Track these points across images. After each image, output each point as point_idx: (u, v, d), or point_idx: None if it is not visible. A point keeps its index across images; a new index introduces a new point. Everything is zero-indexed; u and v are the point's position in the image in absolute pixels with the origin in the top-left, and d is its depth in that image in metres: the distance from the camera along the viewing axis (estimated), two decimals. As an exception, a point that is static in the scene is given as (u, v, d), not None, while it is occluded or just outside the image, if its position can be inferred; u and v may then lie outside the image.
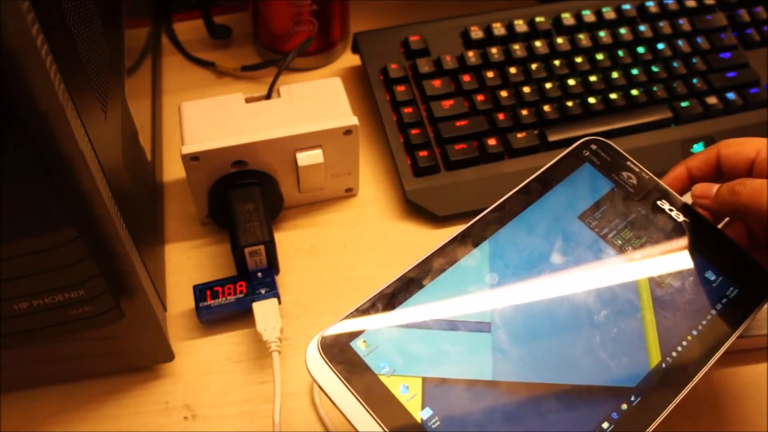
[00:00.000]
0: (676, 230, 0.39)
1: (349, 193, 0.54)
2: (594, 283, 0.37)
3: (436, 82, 0.56)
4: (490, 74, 0.57)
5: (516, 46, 0.58)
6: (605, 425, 0.32)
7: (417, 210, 0.52)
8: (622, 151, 0.42)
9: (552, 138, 0.54)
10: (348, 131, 0.48)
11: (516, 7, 0.61)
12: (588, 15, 0.60)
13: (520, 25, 0.59)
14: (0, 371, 0.40)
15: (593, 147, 0.42)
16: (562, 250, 0.37)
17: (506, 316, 0.35)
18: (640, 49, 0.59)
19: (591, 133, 0.43)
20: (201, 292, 0.46)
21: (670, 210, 0.40)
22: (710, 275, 0.38)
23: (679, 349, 0.35)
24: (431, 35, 0.59)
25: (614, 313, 0.36)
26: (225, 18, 0.65)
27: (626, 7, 0.61)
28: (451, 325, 0.34)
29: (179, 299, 0.48)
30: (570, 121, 0.55)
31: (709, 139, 0.55)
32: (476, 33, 0.59)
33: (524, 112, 0.55)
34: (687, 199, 0.40)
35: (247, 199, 0.47)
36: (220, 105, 0.49)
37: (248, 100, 0.50)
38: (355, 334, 0.33)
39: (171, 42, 0.64)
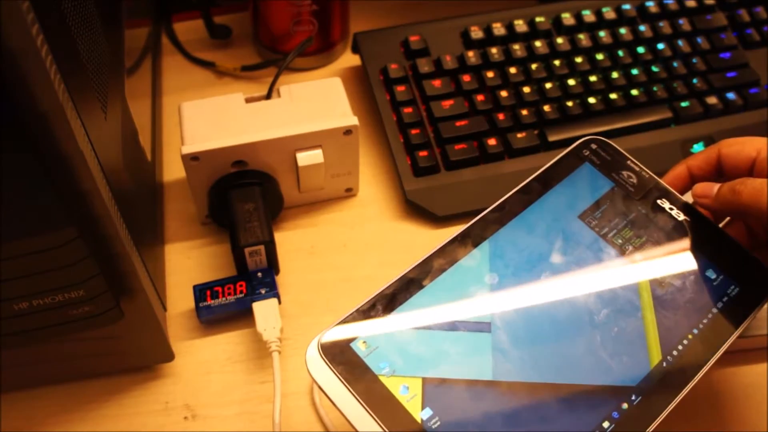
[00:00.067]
0: (677, 229, 0.39)
1: (349, 193, 0.54)
2: (594, 282, 0.37)
3: (436, 82, 0.56)
4: (490, 74, 0.57)
5: (516, 46, 0.58)
6: (606, 425, 0.32)
7: (417, 210, 0.52)
8: (622, 150, 0.42)
9: (552, 138, 0.54)
10: (348, 131, 0.48)
11: (516, 7, 0.61)
12: (588, 15, 0.60)
13: (520, 25, 0.59)
14: (0, 371, 0.40)
15: (593, 146, 0.42)
16: (562, 250, 0.37)
17: (506, 316, 0.35)
18: (640, 49, 0.59)
19: (591, 133, 0.43)
20: (201, 292, 0.46)
21: (671, 209, 0.40)
22: (711, 274, 0.38)
23: (680, 348, 0.35)
24: (431, 35, 0.59)
25: (615, 312, 0.36)
26: (225, 18, 0.65)
27: (626, 7, 0.61)
28: (451, 326, 0.34)
29: (179, 299, 0.48)
30: (570, 121, 0.55)
31: (709, 139, 0.55)
32: (476, 33, 0.59)
33: (524, 112, 0.55)
34: (687, 198, 0.40)
35: (247, 199, 0.47)
36: (220, 105, 0.49)
37: (248, 100, 0.50)
38: (355, 335, 0.33)
39: (171, 42, 0.64)
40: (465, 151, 0.53)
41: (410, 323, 0.34)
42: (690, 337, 0.35)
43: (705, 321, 0.36)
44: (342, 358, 0.32)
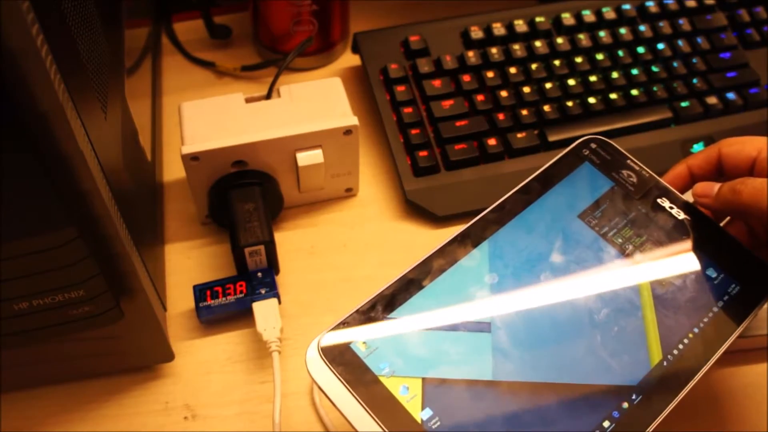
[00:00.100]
0: (677, 228, 0.39)
1: (349, 193, 0.54)
2: (594, 282, 0.37)
3: (436, 82, 0.56)
4: (490, 74, 0.57)
5: (516, 46, 0.58)
6: (606, 424, 0.32)
7: (417, 210, 0.52)
8: (621, 149, 0.42)
9: (552, 138, 0.54)
10: (348, 131, 0.48)
11: (516, 7, 0.61)
12: (588, 15, 0.60)
13: (520, 25, 0.59)
14: (0, 371, 0.40)
15: (593, 146, 0.42)
16: (562, 250, 0.37)
17: (506, 316, 0.35)
18: (640, 49, 0.59)
19: (591, 133, 0.43)
20: (201, 292, 0.46)
21: (671, 208, 0.40)
22: (711, 273, 0.38)
23: (681, 347, 0.35)
24: (431, 35, 0.59)
25: (615, 311, 0.36)
26: (225, 18, 0.65)
27: (626, 7, 0.61)
28: (451, 326, 0.34)
29: (179, 299, 0.48)
30: (570, 121, 0.55)
31: (709, 139, 0.55)
32: (476, 33, 0.59)
33: (524, 112, 0.55)
34: (687, 197, 0.40)
35: (247, 199, 0.47)
36: (220, 105, 0.49)
37: (248, 100, 0.50)
38: (354, 336, 0.33)
39: (171, 42, 0.64)
40: (465, 151, 0.53)
41: (410, 324, 0.34)
42: (690, 336, 0.35)
43: (705, 320, 0.36)
44: (342, 358, 0.32)
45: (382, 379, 0.32)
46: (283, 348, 0.45)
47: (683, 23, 0.60)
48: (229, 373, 0.45)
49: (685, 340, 0.35)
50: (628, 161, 0.41)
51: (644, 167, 0.41)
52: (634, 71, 0.58)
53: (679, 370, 0.34)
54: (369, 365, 0.32)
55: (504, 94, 0.56)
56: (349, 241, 0.51)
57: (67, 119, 0.28)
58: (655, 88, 0.57)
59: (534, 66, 0.57)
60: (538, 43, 0.58)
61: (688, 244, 0.39)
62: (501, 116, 0.55)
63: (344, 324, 0.33)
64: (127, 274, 0.37)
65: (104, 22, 0.41)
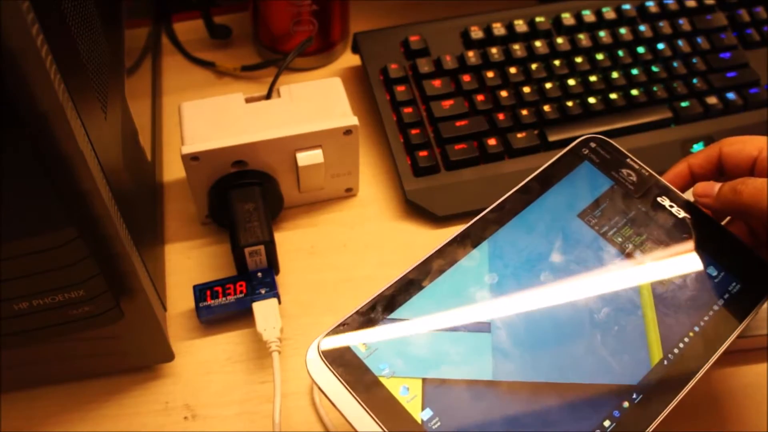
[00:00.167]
0: (677, 226, 0.39)
1: (349, 193, 0.54)
2: (594, 281, 0.37)
3: (436, 82, 0.56)
4: (490, 74, 0.56)
5: (516, 46, 0.58)
6: (607, 423, 0.32)
7: (417, 210, 0.52)
8: (621, 148, 0.42)
9: (552, 138, 0.54)
10: (348, 131, 0.48)
11: (516, 7, 0.61)
12: (588, 15, 0.60)
13: (520, 25, 0.59)
14: (0, 371, 0.40)
15: (592, 145, 0.42)
16: (562, 249, 0.37)
17: (506, 316, 0.35)
18: (640, 49, 0.59)
19: (591, 133, 0.43)
20: (201, 292, 0.46)
21: (671, 206, 0.40)
22: (712, 271, 0.38)
23: (681, 346, 0.35)
24: (431, 35, 0.59)
25: (615, 311, 0.36)
26: (225, 18, 0.65)
27: (626, 7, 0.61)
28: (451, 326, 0.34)
29: (179, 299, 0.48)
30: (570, 121, 0.55)
31: (709, 139, 0.55)
32: (476, 33, 0.59)
33: (524, 112, 0.55)
34: (688, 196, 0.40)
35: (247, 199, 0.47)
36: (220, 105, 0.49)
37: (248, 100, 0.50)
38: (354, 337, 0.33)
39: (171, 42, 0.64)
40: (465, 151, 0.53)
41: (410, 324, 0.34)
42: (691, 335, 0.35)
43: (706, 319, 0.36)
44: (342, 359, 0.32)
45: (382, 379, 0.32)
46: (283, 348, 0.45)
47: (683, 23, 0.60)
48: (229, 373, 0.45)
49: (686, 339, 0.35)
50: (628, 160, 0.41)
51: (644, 166, 0.41)
52: (634, 71, 0.58)
53: (679, 369, 0.34)
54: (369, 366, 0.32)
55: (504, 94, 0.56)
56: (349, 241, 0.51)
57: (67, 119, 0.28)
58: (655, 88, 0.57)
59: (534, 66, 0.57)
60: (538, 43, 0.58)
61: (688, 242, 0.39)
62: (501, 116, 0.55)
63: (344, 325, 0.33)
64: (127, 274, 0.36)
65: (104, 22, 0.41)
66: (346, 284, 0.49)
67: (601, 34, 0.59)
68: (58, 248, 0.32)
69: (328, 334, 0.33)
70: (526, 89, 0.56)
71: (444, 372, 0.32)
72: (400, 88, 0.56)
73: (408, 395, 0.31)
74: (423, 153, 0.53)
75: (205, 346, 0.46)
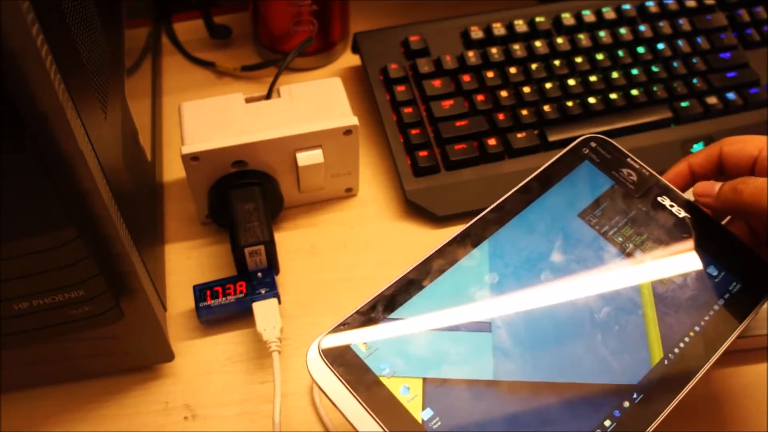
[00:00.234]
0: (678, 226, 0.39)
1: (349, 193, 0.54)
2: (595, 281, 0.37)
3: (436, 82, 0.56)
4: (490, 74, 0.56)
5: (516, 46, 0.58)
6: (607, 423, 0.32)
7: (417, 210, 0.52)
8: (621, 148, 0.42)
9: (552, 138, 0.54)
10: (348, 131, 0.48)
11: (516, 7, 0.61)
12: (588, 15, 0.60)
13: (520, 25, 0.59)
14: (0, 371, 0.40)
15: (592, 144, 0.42)
16: (563, 249, 0.37)
17: (507, 315, 0.35)
18: (640, 49, 0.59)
19: (591, 133, 0.43)
20: (201, 292, 0.46)
21: (671, 206, 0.40)
22: (712, 271, 0.38)
23: (682, 345, 0.35)
24: (431, 35, 0.59)
25: (615, 310, 0.36)
26: (225, 18, 0.65)
27: (626, 7, 0.61)
28: (452, 326, 0.34)
29: (179, 299, 0.48)
30: (570, 121, 0.55)
31: (709, 139, 0.55)
32: (476, 33, 0.59)
33: (524, 112, 0.55)
34: (688, 196, 0.40)
35: (247, 199, 0.47)
36: (220, 105, 0.49)
37: (248, 100, 0.50)
38: (355, 336, 0.33)
39: (171, 42, 0.64)
40: (465, 151, 0.53)
41: (410, 324, 0.34)
42: (691, 334, 0.35)
43: (706, 318, 0.36)
44: (342, 359, 0.32)
45: (382, 379, 0.32)
46: (283, 348, 0.45)
47: (683, 23, 0.60)
48: (229, 373, 0.45)
49: (686, 339, 0.35)
50: (628, 160, 0.41)
51: (644, 165, 0.41)
52: (634, 71, 0.58)
53: (680, 368, 0.34)
54: (369, 366, 0.32)
55: (504, 94, 0.56)
56: (349, 241, 0.51)
57: (67, 119, 0.28)
58: (655, 88, 0.57)
59: (534, 66, 0.57)
60: (538, 43, 0.58)
61: (688, 242, 0.39)
62: (501, 116, 0.55)
63: (345, 325, 0.33)
64: (127, 274, 0.36)
65: (104, 22, 0.41)
66: (346, 284, 0.49)
67: (601, 34, 0.59)
68: (58, 248, 0.32)
69: (328, 334, 0.33)
70: (526, 89, 0.56)
71: (444, 372, 0.32)
72: (400, 88, 0.56)
73: (408, 395, 0.31)
74: (423, 153, 0.53)
75: (205, 346, 0.46)
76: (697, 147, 0.55)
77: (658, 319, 0.36)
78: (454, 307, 0.34)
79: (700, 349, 0.35)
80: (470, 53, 0.57)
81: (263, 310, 0.45)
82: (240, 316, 0.47)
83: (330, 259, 0.50)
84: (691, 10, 0.61)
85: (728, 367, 0.45)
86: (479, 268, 0.36)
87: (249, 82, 0.61)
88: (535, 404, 0.32)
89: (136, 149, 0.45)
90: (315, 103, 0.49)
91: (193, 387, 0.44)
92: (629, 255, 0.38)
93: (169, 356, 0.44)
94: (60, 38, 0.30)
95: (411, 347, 0.33)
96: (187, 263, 0.50)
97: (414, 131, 0.54)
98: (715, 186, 0.38)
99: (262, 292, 0.46)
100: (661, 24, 0.60)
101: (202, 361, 0.45)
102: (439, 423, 0.31)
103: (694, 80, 0.57)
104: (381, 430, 0.30)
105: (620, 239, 0.38)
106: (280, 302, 0.46)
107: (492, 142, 0.54)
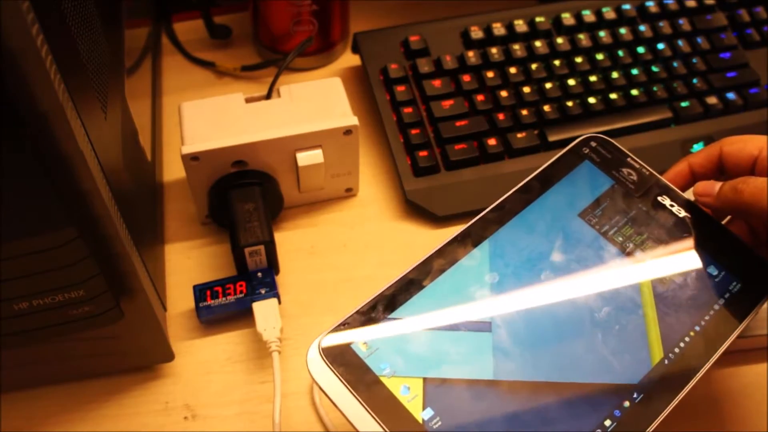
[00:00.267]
0: (678, 226, 0.39)
1: (349, 193, 0.54)
2: (595, 280, 0.37)
3: (436, 82, 0.56)
4: (490, 74, 0.56)
5: (516, 46, 0.58)
6: (608, 423, 0.32)
7: (417, 210, 0.52)
8: (621, 147, 0.42)
9: (552, 138, 0.54)
10: (348, 131, 0.48)
11: (516, 7, 0.61)
12: (588, 15, 0.60)
13: (520, 25, 0.59)
14: (0, 371, 0.40)
15: (593, 144, 0.42)
16: (563, 249, 0.37)
17: (507, 315, 0.35)
18: (640, 49, 0.59)
19: (591, 133, 0.43)
20: (201, 292, 0.46)
21: (671, 206, 0.40)
22: (713, 270, 0.38)
23: (682, 345, 0.35)
24: (431, 35, 0.59)
25: (616, 310, 0.36)
26: (225, 18, 0.65)
27: (626, 7, 0.61)
28: (452, 325, 0.34)
29: (179, 299, 0.48)
30: (570, 121, 0.55)
31: (709, 139, 0.55)
32: (476, 33, 0.59)
33: (524, 112, 0.55)
34: (688, 195, 0.40)
35: (247, 199, 0.47)
36: (220, 105, 0.49)
37: (248, 100, 0.50)
38: (355, 336, 0.33)
39: (171, 42, 0.64)
40: (465, 151, 0.53)
41: (411, 324, 0.34)
42: (692, 334, 0.35)
43: (707, 318, 0.36)
44: (343, 359, 0.32)
45: (383, 379, 0.32)
46: (283, 348, 0.45)
47: (683, 23, 0.60)
48: (229, 373, 0.45)
49: (687, 339, 0.35)
50: (628, 159, 0.41)
51: (644, 165, 0.41)
52: (634, 71, 0.58)
53: (680, 368, 0.34)
54: (370, 365, 0.32)
55: (504, 94, 0.56)
56: (349, 241, 0.51)
57: (67, 119, 0.28)
58: (655, 88, 0.57)
59: (534, 66, 0.57)
60: (538, 43, 0.58)
61: (689, 241, 0.39)
62: (501, 116, 0.55)
63: (345, 324, 0.33)
64: (127, 274, 0.36)
65: (104, 22, 0.41)
66: (346, 284, 0.49)
67: (601, 34, 0.59)
68: (58, 248, 0.32)
69: (328, 334, 0.33)
70: (526, 89, 0.56)
71: (445, 371, 0.32)
72: (400, 88, 0.56)
73: (409, 395, 0.31)
74: (423, 153, 0.53)
75: (205, 346, 0.46)
76: (697, 147, 0.55)
77: (659, 319, 0.36)
78: (454, 306, 0.34)
79: (701, 349, 0.35)
80: (470, 53, 0.57)
81: (263, 310, 0.45)
82: (240, 316, 0.47)
83: (330, 259, 0.50)
84: (691, 10, 0.61)
85: (728, 367, 0.45)
86: (479, 267, 0.36)
87: (249, 82, 0.61)
88: (535, 404, 0.32)
89: (136, 149, 0.45)
90: (315, 103, 0.49)
91: (193, 387, 0.44)
92: (629, 254, 0.38)
93: (169, 356, 0.44)
94: (60, 38, 0.30)
95: (411, 347, 0.33)
96: (187, 263, 0.50)
97: (414, 131, 0.54)
98: (716, 186, 0.38)
99: (262, 292, 0.46)
100: (661, 24, 0.60)
101: (202, 361, 0.45)
102: (440, 423, 0.31)
103: (694, 80, 0.57)
104: (381, 429, 0.30)
105: (620, 239, 0.38)
106: (280, 302, 0.46)
107: (492, 142, 0.54)
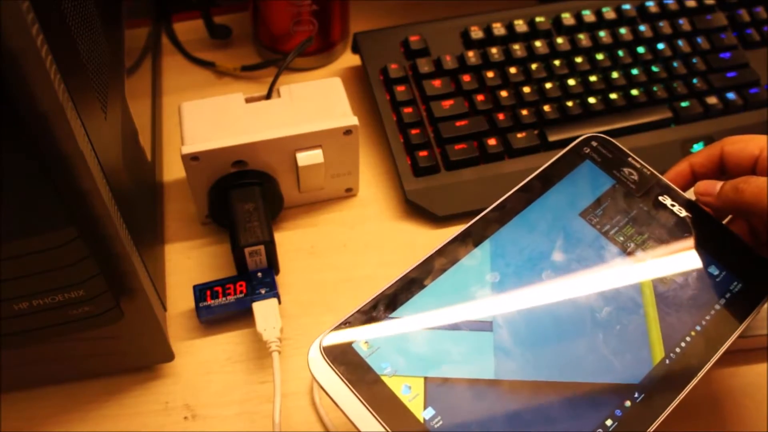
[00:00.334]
0: (679, 225, 0.39)
1: (349, 193, 0.54)
2: (596, 280, 0.37)
3: (436, 82, 0.56)
4: (490, 74, 0.56)
5: (516, 46, 0.58)
6: (609, 423, 0.32)
7: (417, 210, 0.52)
8: (622, 147, 0.42)
9: (552, 138, 0.54)
10: (348, 131, 0.48)
11: (516, 7, 0.61)
12: (588, 15, 0.60)
13: (520, 25, 0.59)
14: (0, 371, 0.40)
15: (594, 144, 0.42)
16: (564, 248, 0.37)
17: (508, 315, 0.35)
18: (640, 49, 0.59)
19: (592, 133, 0.43)
20: (201, 292, 0.46)
21: (672, 205, 0.40)
22: (713, 270, 0.38)
23: (683, 345, 0.35)
24: (431, 35, 0.59)
25: (617, 310, 0.36)
26: (225, 18, 0.65)
27: (626, 7, 0.61)
28: (453, 325, 0.34)
29: (179, 299, 0.48)
30: (570, 121, 0.55)
31: (709, 139, 0.55)
32: (476, 33, 0.59)
33: (524, 112, 0.55)
34: (689, 195, 0.40)
35: (247, 199, 0.47)
36: (220, 105, 0.49)
37: (248, 100, 0.50)
38: (356, 335, 0.33)
39: (171, 42, 0.64)
40: (465, 151, 0.53)
41: (412, 323, 0.34)
42: (693, 334, 0.35)
43: (708, 318, 0.36)
44: (344, 358, 0.32)
45: (384, 378, 0.32)
46: (283, 348, 0.45)
47: (683, 23, 0.60)
48: (229, 373, 0.45)
49: (687, 338, 0.35)
50: (629, 159, 0.41)
51: (645, 165, 0.41)
52: (634, 71, 0.58)
53: (681, 368, 0.34)
54: (371, 365, 0.32)
55: (504, 94, 0.56)
56: (349, 241, 0.51)
57: (67, 119, 0.28)
58: (655, 88, 0.57)
59: (534, 66, 0.57)
60: (538, 43, 0.58)
61: (690, 241, 0.39)
62: (501, 116, 0.55)
63: (346, 324, 0.33)
64: (127, 274, 0.36)
65: (104, 22, 0.41)
66: (346, 284, 0.49)
67: (601, 34, 0.59)
68: (58, 248, 0.32)
69: (330, 333, 0.33)
70: (526, 89, 0.56)
71: (446, 371, 0.32)
72: (400, 88, 0.56)
73: (410, 394, 0.31)
74: (423, 153, 0.53)
75: (205, 346, 0.46)
76: (697, 147, 0.55)
77: (660, 319, 0.36)
78: (455, 306, 0.34)
79: (701, 349, 0.35)
80: (470, 53, 0.57)
81: (263, 310, 0.45)
82: (240, 316, 0.47)
83: (330, 259, 0.50)
84: (691, 10, 0.61)
85: (729, 366, 0.45)
86: (480, 267, 0.36)
87: (249, 82, 0.61)
88: (536, 403, 0.32)
89: (136, 149, 0.45)
90: (315, 103, 0.49)
91: (193, 387, 0.44)
92: (630, 254, 0.38)
93: (169, 356, 0.44)
94: (60, 38, 0.30)
95: (412, 346, 0.33)
96: (187, 263, 0.50)
97: (414, 131, 0.54)
98: (717, 185, 0.39)
99: (262, 292, 0.46)
100: (661, 24, 0.60)
101: (202, 361, 0.45)
102: (441, 422, 0.31)
103: (694, 80, 0.57)
104: (382, 429, 0.30)
105: (621, 238, 0.38)
106: (280, 302, 0.46)
107: (492, 142, 0.54)
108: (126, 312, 0.38)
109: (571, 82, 0.57)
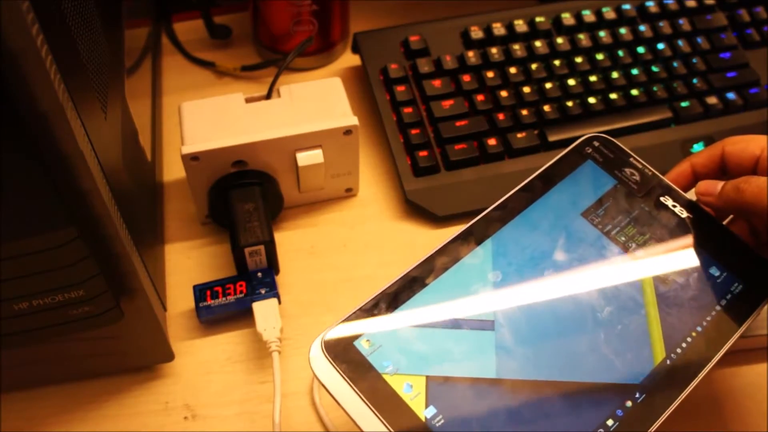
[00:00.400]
0: (680, 226, 0.39)
1: (349, 193, 0.54)
2: (597, 280, 0.37)
3: (436, 82, 0.56)
4: (490, 74, 0.56)
5: (516, 46, 0.58)
6: (610, 422, 0.32)
7: (417, 210, 0.52)
8: (624, 147, 0.42)
9: (552, 138, 0.54)
10: (348, 131, 0.48)
11: (516, 7, 0.61)
12: (588, 15, 0.60)
13: (520, 25, 0.59)
14: (0, 371, 0.40)
15: (595, 144, 0.42)
16: (565, 248, 0.37)
17: (510, 314, 0.35)
18: (640, 49, 0.59)
19: (592, 133, 0.43)
20: (201, 292, 0.46)
21: (674, 206, 0.40)
22: (714, 271, 0.38)
23: (684, 345, 0.35)
24: (431, 35, 0.59)
25: (618, 309, 0.36)
26: (225, 18, 0.65)
27: (626, 7, 0.61)
28: (455, 324, 0.34)
29: (179, 299, 0.48)
30: (570, 121, 0.55)
31: (709, 139, 0.55)
32: (476, 33, 0.59)
33: (524, 112, 0.55)
34: (690, 195, 0.40)
35: (247, 199, 0.47)
36: (220, 105, 0.49)
37: (248, 100, 0.50)
38: (358, 334, 0.33)
39: (171, 42, 0.64)
40: (465, 151, 0.53)
41: (413, 321, 0.34)
42: (694, 334, 0.35)
43: (709, 318, 0.36)
44: (345, 356, 0.32)
45: (385, 376, 0.32)
46: (283, 348, 0.45)
47: (683, 23, 0.60)
48: (229, 373, 0.45)
49: (689, 339, 0.35)
50: (631, 159, 0.41)
51: (647, 165, 0.41)
52: (634, 71, 0.58)
53: (682, 368, 0.34)
54: (372, 363, 0.32)
55: (504, 94, 0.56)
56: (349, 241, 0.51)
57: (67, 119, 0.28)
58: (655, 88, 0.57)
59: (534, 66, 0.57)
60: (538, 43, 0.58)
61: (690, 242, 0.39)
62: (501, 116, 0.55)
63: (347, 322, 0.33)
64: (127, 274, 0.36)
65: (104, 22, 0.41)
66: (346, 284, 0.49)
67: (601, 34, 0.59)
68: (58, 248, 0.32)
69: (331, 331, 0.33)
70: (526, 89, 0.56)
71: (447, 370, 0.32)
72: (400, 88, 0.55)
73: (411, 392, 0.31)
74: (423, 153, 0.53)
75: (205, 346, 0.46)
76: (698, 147, 0.55)
77: (661, 319, 0.36)
78: (457, 305, 0.34)
79: (702, 349, 0.35)
80: (470, 53, 0.57)
81: (263, 310, 0.45)
82: (240, 316, 0.46)
83: (330, 259, 0.50)
84: (691, 10, 0.61)
85: (729, 367, 0.45)
86: (482, 266, 0.36)
87: (249, 82, 0.61)
88: (537, 403, 0.32)
89: (136, 149, 0.45)
90: (315, 103, 0.49)
91: (193, 387, 0.44)
92: (632, 254, 0.38)
93: (169, 356, 0.44)
94: (60, 38, 0.30)
95: (414, 345, 0.33)
96: (187, 263, 0.50)
97: (414, 131, 0.54)
98: (718, 185, 0.39)
99: (262, 292, 0.46)
100: (661, 24, 0.60)
101: (202, 361, 0.45)
102: (442, 421, 0.31)
103: (694, 80, 0.57)
104: (384, 427, 0.30)
105: (623, 238, 0.38)
106: (280, 302, 0.46)
107: (492, 142, 0.54)
108: (126, 312, 0.38)
109: (571, 82, 0.57)
